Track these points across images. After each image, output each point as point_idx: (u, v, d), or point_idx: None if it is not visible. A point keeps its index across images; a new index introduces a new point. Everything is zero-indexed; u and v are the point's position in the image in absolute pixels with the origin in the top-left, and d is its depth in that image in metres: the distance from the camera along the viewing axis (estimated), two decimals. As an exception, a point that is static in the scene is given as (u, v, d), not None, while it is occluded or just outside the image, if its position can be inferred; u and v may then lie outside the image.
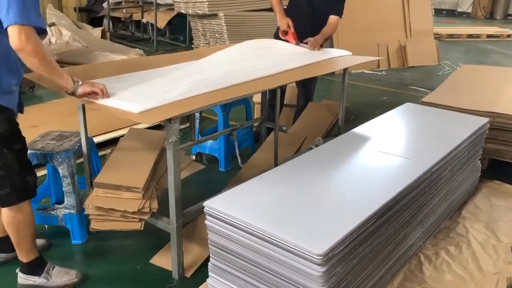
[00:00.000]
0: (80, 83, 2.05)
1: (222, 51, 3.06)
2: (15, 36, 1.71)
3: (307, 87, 3.76)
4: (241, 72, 2.63)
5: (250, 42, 3.27)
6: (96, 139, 3.31)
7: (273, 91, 3.71)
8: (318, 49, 3.37)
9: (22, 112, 2.10)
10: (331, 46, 6.11)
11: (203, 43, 7.32)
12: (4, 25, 1.72)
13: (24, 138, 2.06)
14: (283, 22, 3.44)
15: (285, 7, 3.62)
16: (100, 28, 7.85)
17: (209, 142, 3.52)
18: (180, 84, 2.35)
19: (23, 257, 2.17)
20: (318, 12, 3.52)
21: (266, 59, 2.97)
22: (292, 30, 3.41)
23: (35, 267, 2.20)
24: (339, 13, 3.50)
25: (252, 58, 2.92)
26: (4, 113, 1.92)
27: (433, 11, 8.05)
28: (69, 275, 2.25)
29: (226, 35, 6.75)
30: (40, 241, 2.45)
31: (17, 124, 2.02)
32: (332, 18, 3.49)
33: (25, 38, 1.72)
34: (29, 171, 2.07)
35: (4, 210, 2.06)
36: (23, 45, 1.73)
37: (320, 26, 3.47)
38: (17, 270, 2.22)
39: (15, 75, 1.95)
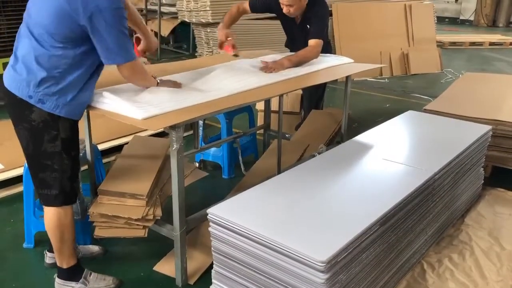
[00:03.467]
0: (159, 80, 2.38)
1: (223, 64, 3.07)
2: (123, 70, 2.06)
3: (312, 96, 3.76)
4: (242, 81, 2.64)
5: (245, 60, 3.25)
6: (101, 147, 3.33)
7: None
8: (285, 68, 2.99)
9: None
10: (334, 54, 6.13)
11: (207, 51, 7.36)
12: (109, 63, 1.99)
13: (79, 146, 2.17)
14: (222, 33, 3.26)
15: None
16: (105, 36, 7.90)
17: (213, 149, 3.53)
18: (184, 92, 2.37)
19: (64, 263, 2.19)
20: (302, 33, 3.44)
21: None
22: (230, 42, 3.20)
23: (74, 273, 2.23)
24: (316, 35, 3.17)
25: (252, 70, 2.93)
26: (70, 120, 2.03)
27: (436, 19, 8.08)
28: (106, 281, 2.28)
29: (229, 43, 6.78)
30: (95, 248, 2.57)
31: (78, 132, 2.13)
32: (310, 41, 3.17)
33: (132, 71, 2.10)
34: (77, 179, 2.16)
35: (50, 213, 2.11)
36: (130, 77, 2.15)
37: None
38: (55, 276, 2.25)
39: (87, 86, 2.05)
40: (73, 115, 2.03)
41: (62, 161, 2.03)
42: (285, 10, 3.28)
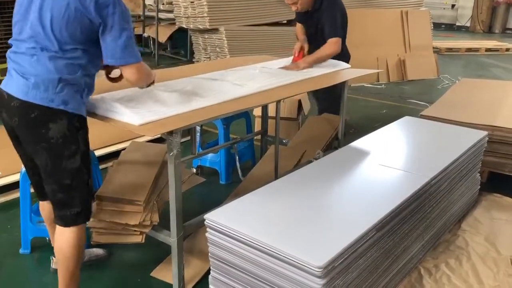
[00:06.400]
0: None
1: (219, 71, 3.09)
2: (131, 74, 1.97)
3: (323, 101, 3.74)
4: (241, 88, 2.66)
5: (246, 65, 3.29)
6: (98, 153, 3.33)
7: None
8: (300, 69, 3.19)
9: None
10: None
11: (204, 57, 7.38)
12: (116, 63, 1.93)
13: None
14: (297, 45, 3.47)
15: None
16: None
17: (210, 155, 3.54)
18: (182, 98, 2.37)
19: None
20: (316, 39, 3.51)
21: (265, 74, 3.00)
22: (297, 54, 3.40)
23: None
24: (331, 34, 3.31)
25: (250, 75, 2.94)
26: (85, 130, 1.98)
27: (432, 25, 8.12)
28: None
29: (226, 50, 6.80)
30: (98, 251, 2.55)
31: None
32: (331, 40, 3.31)
33: (141, 72, 2.00)
34: (91, 193, 2.09)
35: (67, 234, 1.98)
36: (139, 79, 2.02)
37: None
38: None
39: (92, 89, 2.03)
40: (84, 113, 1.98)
41: (82, 177, 1.96)
42: (293, 8, 3.44)
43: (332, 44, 3.30)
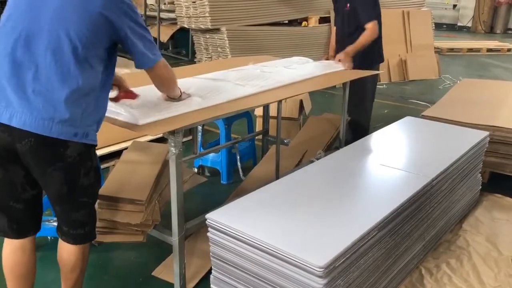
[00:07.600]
0: (183, 92, 2.30)
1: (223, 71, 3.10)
2: (162, 69, 1.96)
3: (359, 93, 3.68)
4: (241, 88, 2.66)
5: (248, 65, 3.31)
6: (100, 152, 3.34)
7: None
8: (346, 67, 3.29)
9: None
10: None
11: (206, 57, 7.38)
12: (150, 65, 1.90)
13: None
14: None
15: None
16: (104, 42, 7.92)
17: (211, 155, 3.54)
18: (183, 97, 2.38)
19: None
20: (346, 33, 3.58)
21: (266, 74, 3.01)
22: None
23: None
24: (366, 19, 3.37)
25: (252, 75, 2.95)
26: (95, 148, 1.85)
27: (434, 25, 8.12)
28: None
29: (228, 49, 6.80)
30: None
31: None
32: (366, 25, 3.38)
33: (165, 69, 1.99)
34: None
35: (75, 249, 1.92)
36: (167, 76, 2.03)
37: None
38: None
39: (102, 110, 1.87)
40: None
41: (95, 192, 1.90)
42: None
43: (369, 30, 3.38)
